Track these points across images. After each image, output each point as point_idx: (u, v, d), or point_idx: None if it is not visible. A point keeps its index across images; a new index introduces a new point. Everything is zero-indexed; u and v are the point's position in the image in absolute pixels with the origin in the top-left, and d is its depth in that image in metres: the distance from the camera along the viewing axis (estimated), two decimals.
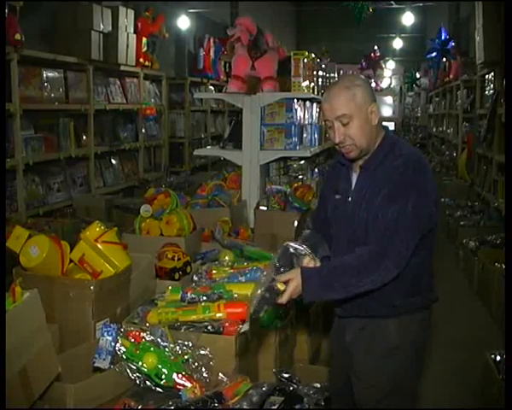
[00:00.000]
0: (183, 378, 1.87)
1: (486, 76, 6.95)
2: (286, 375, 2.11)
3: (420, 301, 2.02)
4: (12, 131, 4.51)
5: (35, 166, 4.90)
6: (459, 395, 3.38)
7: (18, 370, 1.60)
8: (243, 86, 3.64)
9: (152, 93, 7.64)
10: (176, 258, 2.64)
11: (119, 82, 6.60)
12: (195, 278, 2.58)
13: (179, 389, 1.85)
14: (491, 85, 6.62)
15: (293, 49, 7.35)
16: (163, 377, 1.87)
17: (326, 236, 2.15)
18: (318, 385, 2.09)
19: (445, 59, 10.53)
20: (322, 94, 3.50)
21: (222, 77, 9.08)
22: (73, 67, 5.51)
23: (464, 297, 5.20)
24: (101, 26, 5.61)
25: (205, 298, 2.26)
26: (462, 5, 10.66)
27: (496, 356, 3.07)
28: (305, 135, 4.05)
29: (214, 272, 2.62)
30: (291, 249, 1.95)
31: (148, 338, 1.94)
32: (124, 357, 1.89)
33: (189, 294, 2.29)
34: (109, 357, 1.91)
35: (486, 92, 6.97)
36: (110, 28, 5.80)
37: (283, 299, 1.85)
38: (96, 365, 1.92)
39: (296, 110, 3.72)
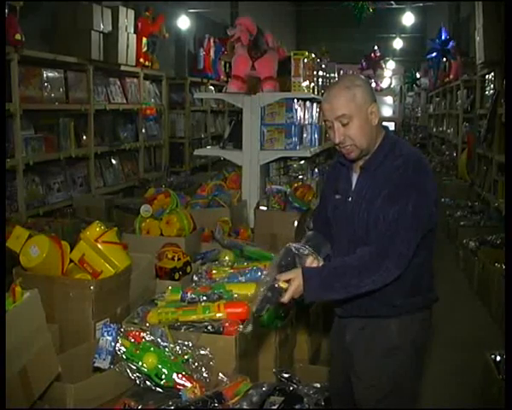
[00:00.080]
0: (183, 378, 1.87)
1: (486, 76, 6.94)
2: (286, 375, 2.11)
3: (420, 301, 2.02)
4: (12, 131, 4.51)
5: (35, 166, 4.90)
6: (459, 395, 3.38)
7: (18, 370, 1.60)
8: (243, 86, 3.64)
9: (152, 93, 7.64)
10: (176, 258, 2.64)
11: (119, 82, 6.60)
12: (195, 278, 2.58)
13: (179, 389, 1.85)
14: (492, 85, 6.62)
15: (293, 49, 7.33)
16: (163, 377, 1.87)
17: (327, 236, 2.15)
18: (318, 385, 2.09)
19: (445, 59, 10.52)
20: (323, 94, 3.50)
21: (222, 77, 9.07)
22: (73, 67, 5.51)
23: (464, 297, 5.20)
24: (102, 26, 5.61)
25: (205, 298, 2.26)
26: (462, 5, 10.66)
27: (496, 356, 3.07)
28: (305, 135, 4.05)
29: (214, 272, 2.62)
30: (293, 250, 1.96)
31: (148, 338, 1.94)
32: (124, 357, 1.89)
33: (189, 294, 2.30)
34: (109, 357, 1.90)
35: (486, 92, 6.96)
36: (110, 28, 5.80)
37: (285, 298, 1.85)
38: (96, 365, 1.92)
39: (296, 110, 3.72)
